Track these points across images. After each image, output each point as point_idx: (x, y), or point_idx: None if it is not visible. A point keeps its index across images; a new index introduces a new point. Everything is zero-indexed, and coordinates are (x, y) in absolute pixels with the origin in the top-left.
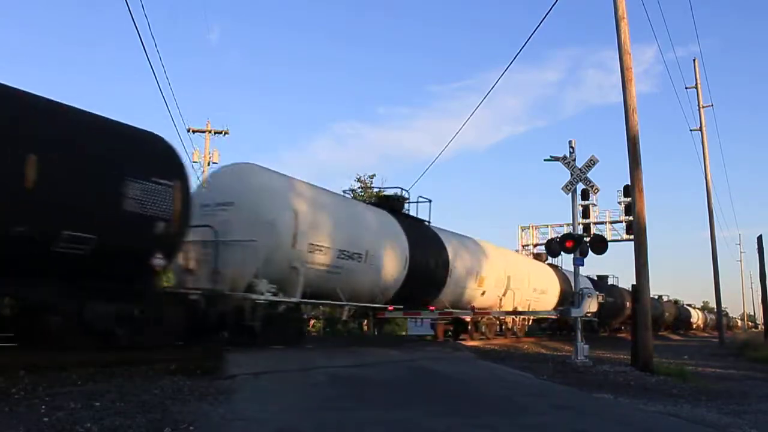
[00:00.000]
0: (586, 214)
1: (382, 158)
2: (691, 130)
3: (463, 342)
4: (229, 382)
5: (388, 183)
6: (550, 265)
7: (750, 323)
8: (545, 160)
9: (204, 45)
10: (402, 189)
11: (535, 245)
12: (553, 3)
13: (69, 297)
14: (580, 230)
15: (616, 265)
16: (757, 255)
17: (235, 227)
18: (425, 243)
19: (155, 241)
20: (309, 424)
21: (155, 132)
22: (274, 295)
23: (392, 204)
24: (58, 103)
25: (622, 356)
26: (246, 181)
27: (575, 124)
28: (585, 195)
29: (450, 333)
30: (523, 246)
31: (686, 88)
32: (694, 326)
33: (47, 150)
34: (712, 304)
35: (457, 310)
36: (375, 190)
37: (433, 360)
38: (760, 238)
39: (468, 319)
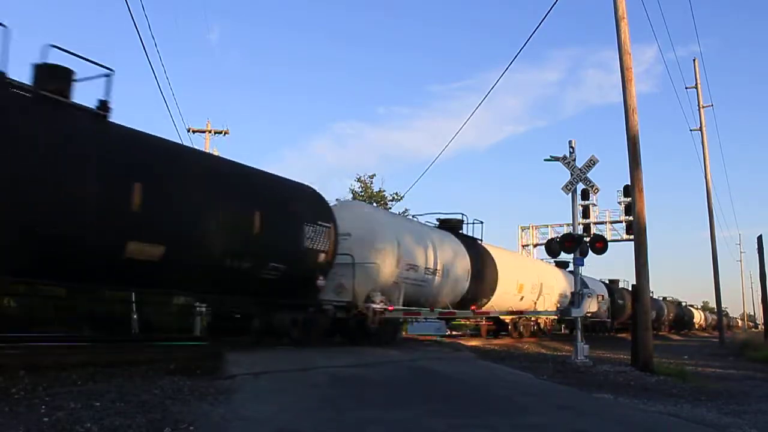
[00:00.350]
0: (586, 214)
1: (382, 158)
2: (691, 130)
3: (464, 342)
4: (229, 382)
5: (387, 183)
6: (571, 272)
7: (750, 323)
8: (545, 160)
9: (204, 45)
10: (462, 214)
11: (535, 245)
12: (553, 3)
13: (263, 308)
14: (580, 230)
15: (616, 266)
16: (757, 255)
17: (354, 253)
18: (481, 258)
19: (319, 267)
20: (309, 424)
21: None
22: (384, 304)
23: (454, 226)
24: (271, 174)
25: (622, 356)
26: (359, 217)
27: (575, 124)
28: (585, 195)
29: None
30: (523, 246)
31: (686, 88)
32: (697, 326)
33: (267, 208)
34: (712, 304)
35: (459, 311)
36: (376, 190)
37: (433, 360)
38: (760, 238)
39: (508, 320)
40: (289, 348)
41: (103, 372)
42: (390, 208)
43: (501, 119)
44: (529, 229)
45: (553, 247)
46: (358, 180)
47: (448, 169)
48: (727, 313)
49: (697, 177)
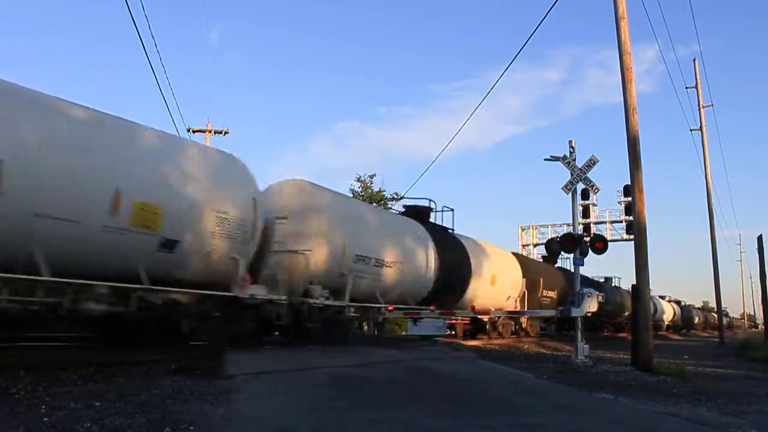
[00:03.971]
0: (586, 214)
1: (383, 158)
2: (691, 130)
3: (465, 342)
4: (229, 382)
5: (387, 183)
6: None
7: (750, 323)
8: (545, 159)
9: (204, 45)
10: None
11: (535, 245)
12: (553, 3)
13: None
14: (580, 230)
15: (616, 266)
16: (757, 255)
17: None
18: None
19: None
20: (308, 424)
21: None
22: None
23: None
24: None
25: (622, 356)
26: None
27: (576, 124)
28: (585, 195)
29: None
30: (523, 246)
31: (686, 87)
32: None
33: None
34: (712, 304)
35: (458, 310)
36: (376, 190)
37: (434, 360)
38: (760, 238)
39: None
40: (290, 348)
41: (103, 372)
42: (390, 207)
43: (502, 119)
44: (529, 229)
45: (553, 247)
46: (358, 180)
47: (449, 169)
48: (728, 313)
49: (697, 177)
